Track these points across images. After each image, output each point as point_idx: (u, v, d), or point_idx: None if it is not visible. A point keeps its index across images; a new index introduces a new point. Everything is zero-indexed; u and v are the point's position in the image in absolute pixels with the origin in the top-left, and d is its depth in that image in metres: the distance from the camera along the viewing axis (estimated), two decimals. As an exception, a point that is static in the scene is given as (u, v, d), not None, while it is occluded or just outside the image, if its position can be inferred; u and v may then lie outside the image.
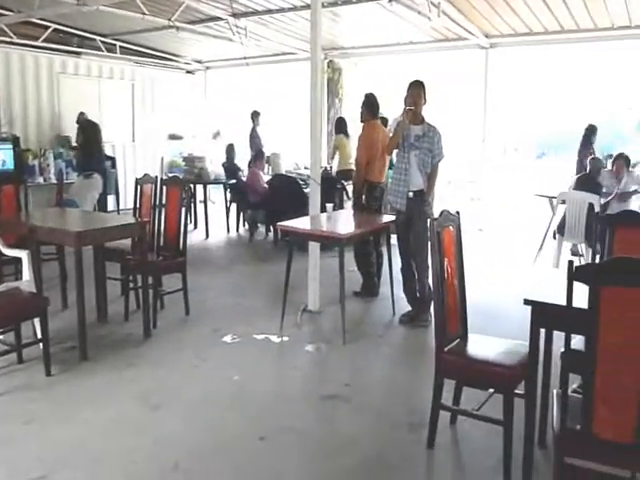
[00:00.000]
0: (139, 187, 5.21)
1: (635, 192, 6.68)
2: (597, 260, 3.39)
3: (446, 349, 2.86)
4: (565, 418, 2.16)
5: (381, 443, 3.02)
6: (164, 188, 5.03)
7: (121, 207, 9.53)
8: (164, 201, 5.02)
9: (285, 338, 4.46)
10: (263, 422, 3.19)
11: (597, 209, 6.04)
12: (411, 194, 4.73)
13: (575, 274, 2.04)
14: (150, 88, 11.14)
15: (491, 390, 2.91)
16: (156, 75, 11.23)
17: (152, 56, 10.88)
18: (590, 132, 7.57)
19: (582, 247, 6.53)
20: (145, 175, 5.29)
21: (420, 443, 2.95)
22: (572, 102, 17.42)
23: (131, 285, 4.92)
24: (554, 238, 6.50)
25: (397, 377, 3.84)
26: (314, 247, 5.11)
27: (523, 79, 15.26)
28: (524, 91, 15.98)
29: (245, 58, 11.08)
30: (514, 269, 6.57)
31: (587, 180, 6.53)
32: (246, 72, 12.79)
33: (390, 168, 5.70)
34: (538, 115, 17.84)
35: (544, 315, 2.47)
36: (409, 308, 4.91)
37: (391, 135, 5.00)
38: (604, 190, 6.52)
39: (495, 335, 3.08)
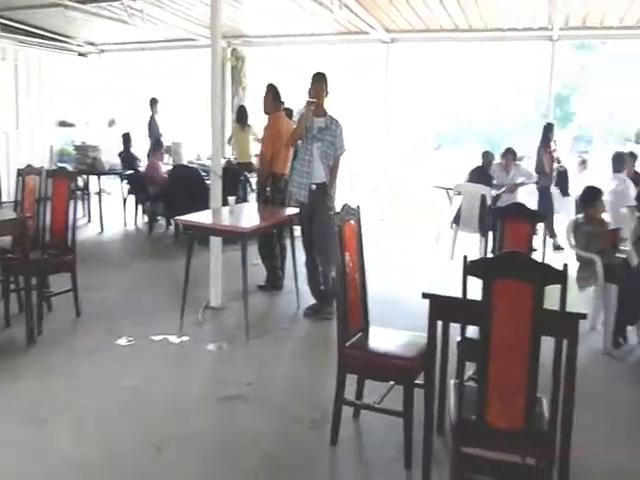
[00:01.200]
0: (21, 179, 4.80)
1: (522, 184, 7.10)
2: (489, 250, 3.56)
3: (348, 344, 2.86)
4: (461, 409, 2.21)
5: (283, 442, 2.97)
6: (50, 180, 4.65)
7: (4, 200, 8.76)
8: (51, 194, 4.65)
9: (185, 338, 4.28)
10: (160, 430, 3.03)
11: (489, 201, 6.36)
12: (314, 186, 4.72)
13: (469, 268, 2.09)
14: (37, 70, 10.29)
15: (392, 382, 2.94)
16: (44, 57, 10.40)
17: (39, 36, 10.04)
18: (548, 129, 7.86)
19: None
20: (28, 166, 4.87)
21: (323, 439, 2.93)
22: (466, 97, 18.32)
23: (12, 287, 4.51)
24: (451, 228, 6.78)
25: (300, 372, 3.81)
26: (216, 241, 4.96)
27: (422, 74, 15.82)
28: (423, 85, 16.56)
29: (142, 42, 10.57)
30: (414, 259, 6.77)
31: (480, 173, 6.86)
32: (144, 57, 12.21)
33: (294, 159, 5.66)
34: (436, 108, 18.55)
35: (441, 308, 2.53)
36: (313, 301, 4.90)
37: (294, 127, 4.97)
38: (495, 182, 6.88)
39: (397, 326, 3.12)
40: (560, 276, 1.94)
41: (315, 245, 4.78)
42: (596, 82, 18.57)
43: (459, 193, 6.68)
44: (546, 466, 2.20)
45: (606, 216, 5.31)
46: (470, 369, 2.99)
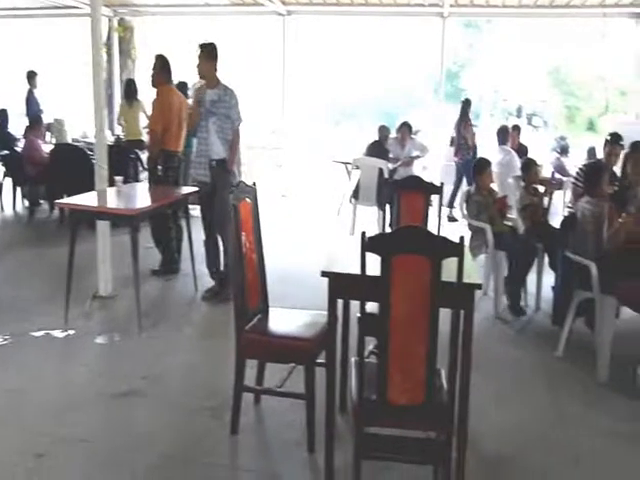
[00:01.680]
0: None
1: (417, 157, 7.26)
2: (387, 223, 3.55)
3: (246, 328, 2.72)
4: (362, 388, 2.16)
5: (181, 436, 2.80)
6: None
7: None
8: None
9: (71, 332, 3.93)
10: (42, 435, 2.74)
11: (386, 174, 6.43)
12: (213, 163, 4.49)
13: (367, 245, 2.01)
14: None
15: (293, 364, 2.86)
16: None
17: None
18: (466, 105, 8.08)
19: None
20: None
21: (224, 428, 2.79)
22: (365, 71, 18.49)
23: None
24: (350, 202, 6.79)
25: (199, 361, 3.62)
26: (103, 225, 4.60)
27: (321, 48, 15.72)
28: (322, 59, 16.50)
29: (14, 9, 9.60)
30: (315, 235, 6.73)
31: (377, 147, 6.90)
32: (19, 26, 11.13)
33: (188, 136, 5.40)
34: (335, 83, 18.60)
35: (340, 285, 2.45)
36: (212, 283, 4.70)
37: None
38: (391, 156, 6.96)
39: (300, 304, 3.05)
40: (457, 249, 1.92)
41: (217, 224, 4.55)
42: (483, 59, 19.45)
43: (357, 167, 6.70)
44: (446, 438, 2.21)
45: (494, 186, 5.53)
46: (371, 344, 2.97)
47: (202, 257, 4.74)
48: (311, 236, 6.65)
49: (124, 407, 3.06)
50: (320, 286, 2.44)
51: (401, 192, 3.26)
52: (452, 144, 8.10)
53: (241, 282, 2.69)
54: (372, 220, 6.92)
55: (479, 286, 2.31)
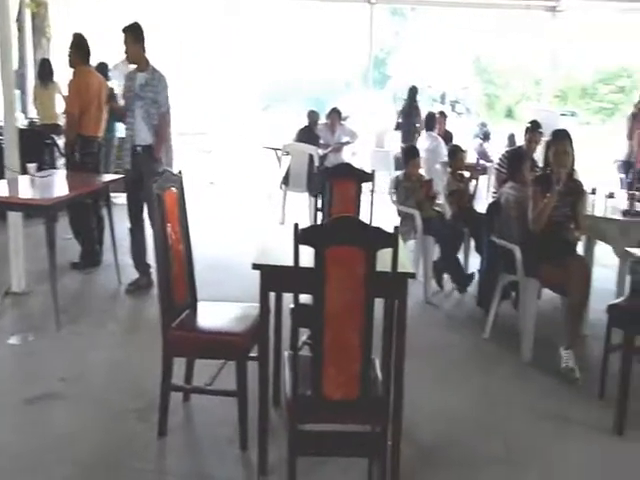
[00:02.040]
0: None
1: (347, 143, 7.25)
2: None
3: (174, 324, 2.59)
4: (297, 384, 2.09)
5: (105, 440, 2.63)
6: None
7: None
8: None
9: (-21, 332, 3.63)
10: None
11: (316, 160, 6.38)
12: (139, 149, 4.27)
13: (300, 237, 1.93)
14: None
15: (223, 360, 2.75)
16: None
17: None
18: (413, 92, 8.17)
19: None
20: None
21: (151, 430, 2.64)
22: (295, 56, 18.32)
23: None
24: (280, 189, 6.69)
25: (122, 359, 3.41)
26: (14, 216, 4.26)
27: (251, 31, 15.40)
28: (250, 44, 16.18)
29: None
30: (245, 222, 6.59)
31: (307, 132, 6.83)
32: None
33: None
34: (263, 67, 18.32)
35: (272, 278, 2.36)
36: (137, 275, 4.47)
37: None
38: (321, 142, 6.91)
39: (229, 296, 2.93)
40: (392, 239, 1.88)
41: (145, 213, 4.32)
42: (408, 47, 19.77)
43: (287, 153, 6.60)
44: (382, 430, 2.19)
45: (422, 172, 5.60)
46: (304, 335, 2.92)
47: (126, 248, 4.50)
48: (241, 224, 6.50)
49: (40, 412, 2.84)
50: (251, 275, 2.35)
51: (333, 180, 3.21)
52: (398, 128, 8.19)
53: (167, 276, 2.55)
54: (303, 206, 6.86)
55: (412, 275, 2.29)
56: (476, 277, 4.63)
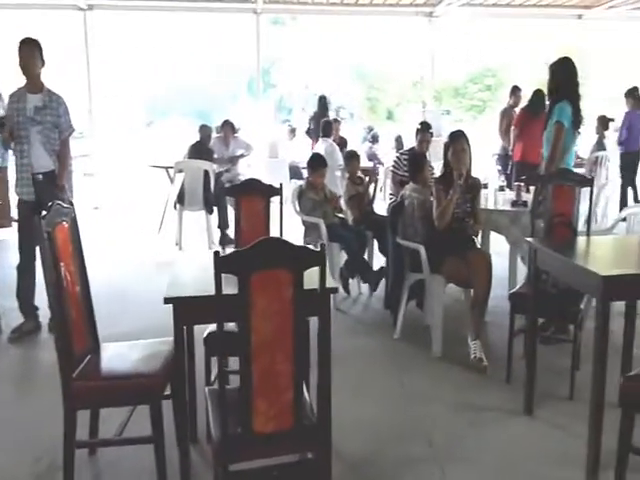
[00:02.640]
0: None
1: (242, 156, 7.06)
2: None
3: (75, 374, 2.28)
4: (224, 422, 1.89)
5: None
6: None
7: None
8: None
9: None
10: None
11: (212, 176, 6.14)
12: (40, 177, 3.87)
13: (221, 265, 1.73)
14: None
15: (131, 407, 2.48)
16: None
17: None
18: (324, 100, 8.19)
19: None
20: None
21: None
22: (175, 69, 17.78)
23: None
24: (175, 209, 6.37)
25: (15, 417, 2.98)
26: None
27: (126, 45, 14.71)
28: (128, 57, 15.48)
29: None
30: (138, 248, 6.21)
31: (200, 147, 6.55)
32: None
33: None
34: (144, 82, 17.64)
35: (187, 310, 2.15)
36: (21, 320, 3.98)
37: None
38: (216, 156, 6.67)
39: (132, 331, 2.66)
40: (319, 258, 1.75)
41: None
42: (291, 55, 19.96)
43: (181, 171, 6.29)
44: (317, 455, 2.05)
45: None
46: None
47: (9, 289, 4.00)
48: (132, 250, 6.12)
49: None
50: (152, 305, 2.13)
51: (240, 197, 3.04)
52: (309, 134, 8.16)
53: (64, 322, 2.24)
54: (200, 226, 6.59)
55: (335, 290, 2.18)
56: (363, 299, 4.71)
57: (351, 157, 5.23)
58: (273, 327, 1.79)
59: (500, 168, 7.45)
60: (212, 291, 1.80)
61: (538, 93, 6.35)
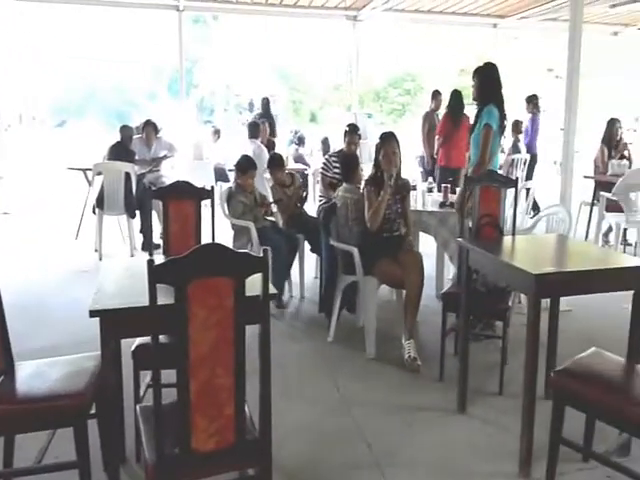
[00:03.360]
0: None
1: (165, 157, 6.79)
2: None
3: (-17, 397, 2.05)
4: (161, 443, 1.75)
5: None
6: None
7: None
8: None
9: None
10: None
11: (133, 178, 5.86)
12: None
13: (156, 274, 1.60)
14: None
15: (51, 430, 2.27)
16: None
17: None
18: (267, 102, 8.46)
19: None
20: None
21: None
22: (89, 67, 16.98)
23: None
24: (94, 213, 6.02)
25: None
26: None
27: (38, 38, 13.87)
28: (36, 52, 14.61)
29: None
30: (54, 255, 5.83)
31: (120, 149, 6.23)
32: None
33: None
34: (54, 79, 16.72)
35: (116, 323, 1.99)
36: None
37: None
38: (137, 158, 6.38)
39: (49, 345, 2.45)
40: (262, 264, 1.65)
41: None
42: (213, 55, 19.60)
43: (100, 173, 5.95)
44: (261, 470, 1.95)
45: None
46: (147, 377, 2.58)
47: None
48: (49, 257, 5.74)
49: None
50: (70, 316, 1.96)
51: (168, 200, 2.87)
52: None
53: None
54: (121, 231, 6.28)
55: (273, 296, 2.09)
56: (295, 302, 4.67)
57: (274, 165, 5.07)
58: (213, 338, 1.67)
59: (422, 170, 7.64)
60: (144, 302, 1.67)
61: (456, 93, 6.72)
